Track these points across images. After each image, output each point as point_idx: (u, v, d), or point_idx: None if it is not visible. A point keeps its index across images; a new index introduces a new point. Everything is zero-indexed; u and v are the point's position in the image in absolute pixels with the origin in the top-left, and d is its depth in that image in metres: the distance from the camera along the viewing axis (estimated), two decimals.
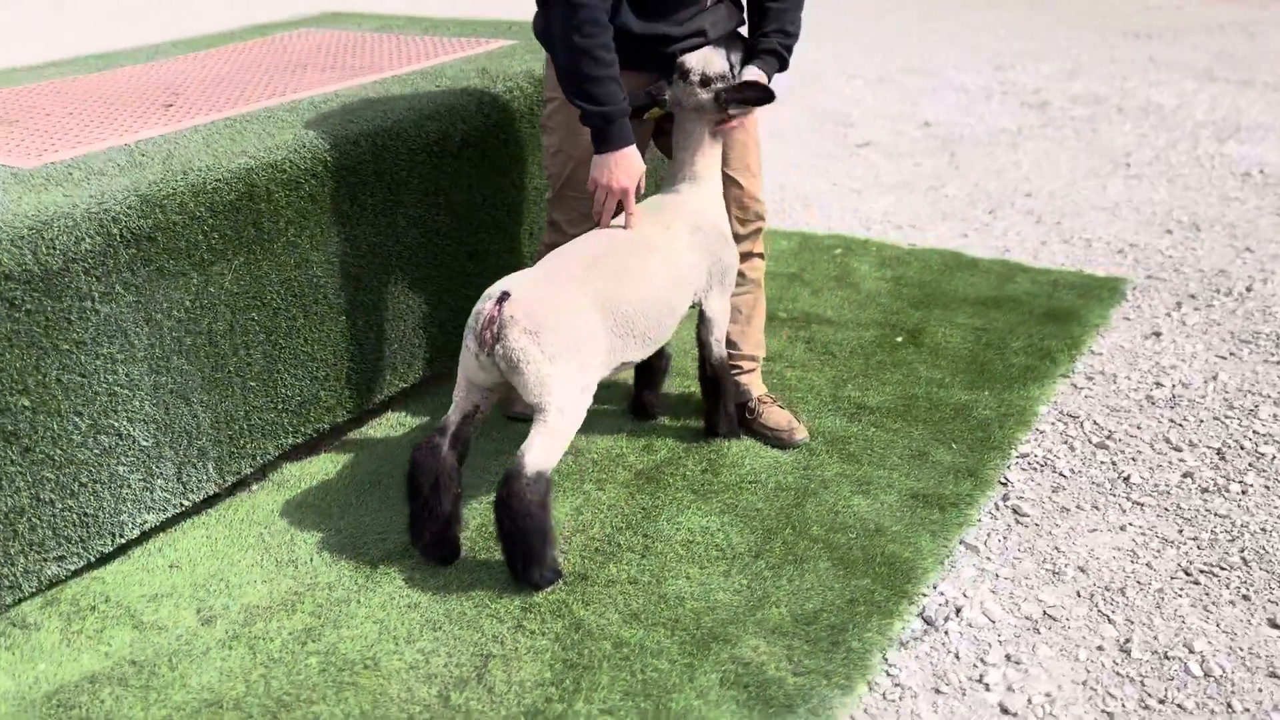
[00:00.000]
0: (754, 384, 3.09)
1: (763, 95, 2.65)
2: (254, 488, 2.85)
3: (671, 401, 3.21)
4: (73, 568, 2.42)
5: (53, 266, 2.23)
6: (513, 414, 3.18)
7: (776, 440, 2.99)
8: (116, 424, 2.42)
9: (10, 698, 2.12)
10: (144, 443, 2.49)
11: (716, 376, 2.93)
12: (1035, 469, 2.90)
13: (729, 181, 2.88)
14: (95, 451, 2.39)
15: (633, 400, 3.15)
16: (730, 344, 3.08)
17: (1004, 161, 5.72)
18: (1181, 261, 4.27)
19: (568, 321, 2.36)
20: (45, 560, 2.36)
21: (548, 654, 2.21)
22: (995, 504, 2.74)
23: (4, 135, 2.82)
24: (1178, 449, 2.96)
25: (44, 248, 2.21)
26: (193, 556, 2.57)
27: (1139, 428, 3.08)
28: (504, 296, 2.34)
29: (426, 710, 2.08)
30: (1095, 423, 3.11)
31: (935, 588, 2.42)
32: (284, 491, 2.82)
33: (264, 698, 2.12)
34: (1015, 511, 2.71)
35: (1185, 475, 2.84)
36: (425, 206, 3.07)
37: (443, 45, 3.79)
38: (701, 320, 2.87)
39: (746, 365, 3.10)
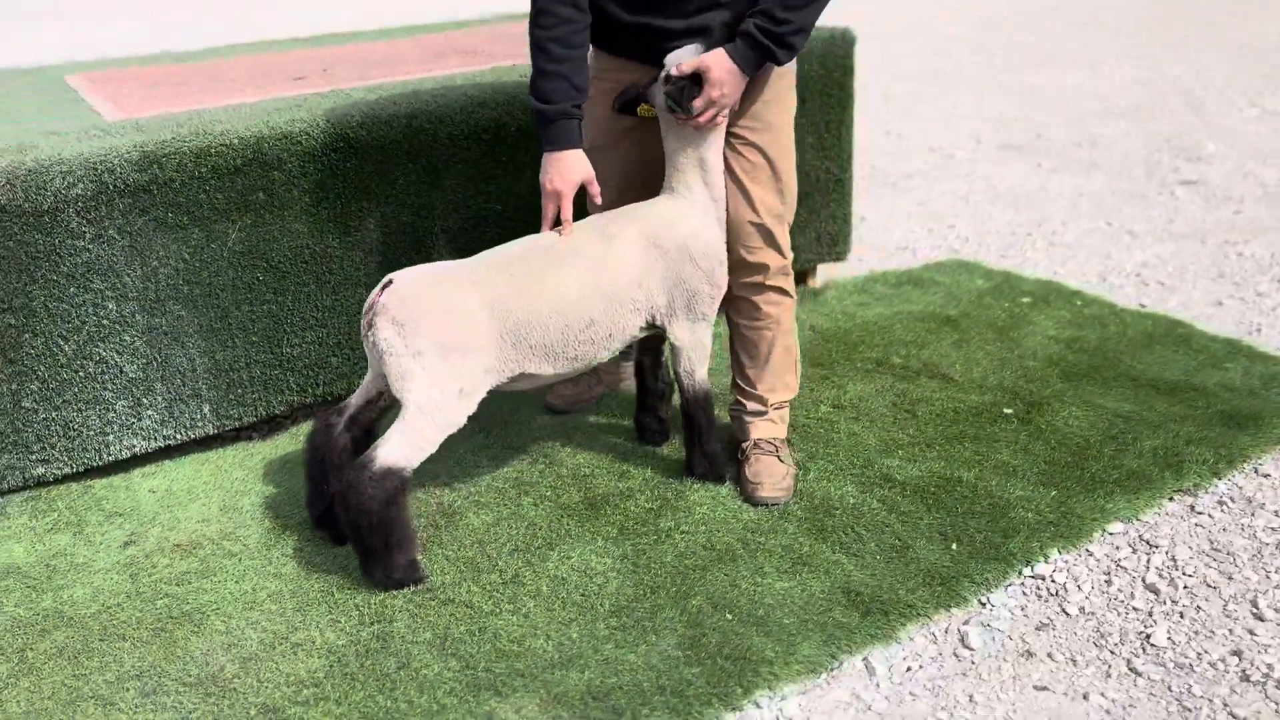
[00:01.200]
0: (758, 428, 2.75)
1: (678, 90, 2.34)
2: (257, 439, 3.05)
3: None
4: (59, 472, 2.75)
5: (43, 205, 2.54)
6: (548, 405, 3.12)
7: (745, 492, 2.64)
8: (104, 352, 2.71)
9: None
10: (132, 374, 2.76)
11: (689, 412, 2.65)
12: (1037, 596, 2.30)
13: (729, 197, 2.57)
14: (80, 374, 2.69)
15: (635, 421, 2.94)
16: (743, 383, 2.77)
17: None
18: None
19: (442, 320, 2.26)
20: (29, 460, 2.70)
21: (334, 655, 2.16)
22: (944, 626, 2.22)
23: (130, 94, 3.25)
24: (1259, 617, 2.20)
25: (35, 188, 2.52)
26: (171, 487, 2.82)
27: (1228, 578, 2.33)
28: (388, 284, 2.29)
29: (196, 665, 2.12)
30: (1172, 559, 2.40)
31: (773, 701, 2.02)
32: (279, 448, 2.99)
33: (98, 617, 2.28)
34: (961, 640, 2.17)
35: (1234, 653, 2.11)
36: (471, 192, 3.07)
37: None
38: (670, 349, 2.61)
39: (751, 406, 2.76)
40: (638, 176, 2.69)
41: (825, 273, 4.19)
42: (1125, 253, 4.34)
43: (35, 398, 2.66)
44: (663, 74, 2.41)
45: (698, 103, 2.38)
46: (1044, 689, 2.04)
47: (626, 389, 3.20)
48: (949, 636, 2.19)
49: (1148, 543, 2.46)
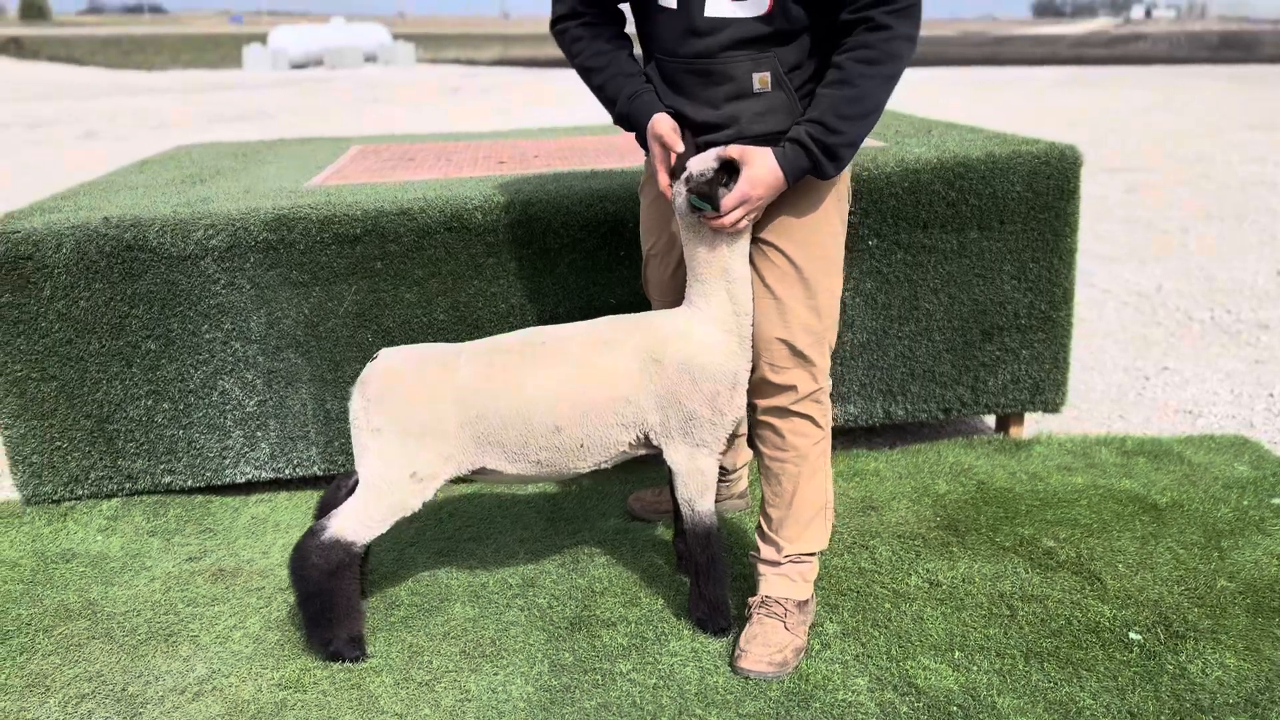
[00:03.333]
0: (768, 583, 2.41)
1: (707, 182, 2.10)
2: None
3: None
4: (184, 483, 3.13)
5: (187, 251, 2.92)
6: (628, 507, 3.01)
7: (730, 657, 2.31)
8: (227, 385, 3.04)
9: (60, 541, 2.91)
10: (250, 408, 3.07)
11: (690, 547, 2.39)
12: None
13: (755, 310, 2.30)
14: (205, 401, 3.05)
15: (674, 547, 2.71)
16: (765, 524, 2.45)
17: None
18: None
19: (406, 403, 2.26)
20: (158, 468, 3.10)
21: (232, 707, 2.21)
22: None
23: (358, 166, 3.64)
24: None
25: (181, 235, 2.91)
26: (270, 517, 3.08)
27: None
28: (374, 357, 2.34)
29: (135, 684, 2.28)
30: None
31: None
32: None
33: (111, 619, 2.55)
34: None
35: None
36: (585, 282, 3.05)
37: None
38: (669, 473, 2.38)
39: (765, 554, 2.43)
40: (682, 282, 2.50)
41: (1039, 424, 3.57)
42: None
43: (166, 415, 3.05)
44: (683, 175, 2.22)
45: (728, 201, 2.15)
46: None
47: (721, 510, 2.95)
48: None
49: None
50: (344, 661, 2.34)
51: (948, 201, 3.07)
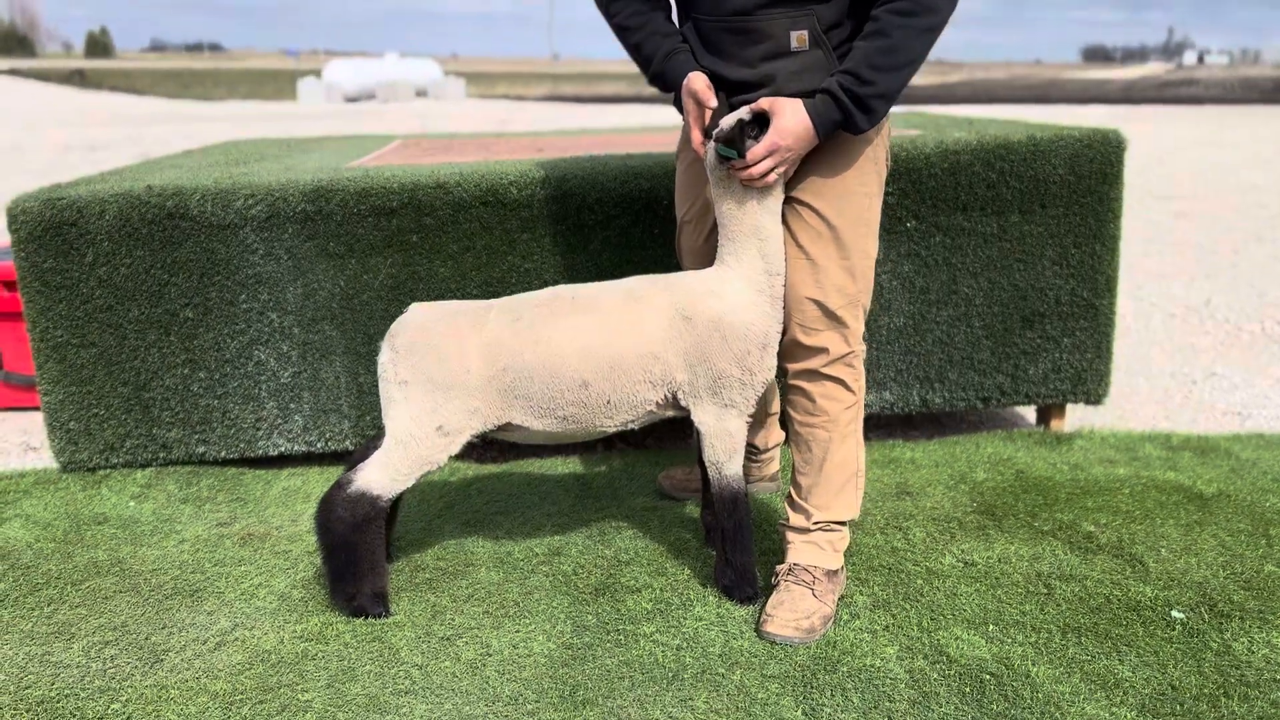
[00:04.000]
0: (797, 550, 2.36)
1: (735, 129, 2.08)
2: None
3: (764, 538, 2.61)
4: (217, 454, 3.14)
5: (226, 220, 2.96)
6: (658, 486, 2.98)
7: (756, 622, 2.26)
8: (262, 356, 3.06)
9: (93, 505, 2.93)
10: (284, 379, 3.08)
11: (715, 512, 2.35)
12: None
13: (788, 269, 2.27)
14: (240, 371, 3.07)
15: (701, 520, 2.67)
16: (794, 492, 2.41)
17: None
18: None
19: (435, 356, 2.25)
20: (192, 438, 3.12)
21: (254, 656, 2.20)
22: None
23: (397, 155, 3.68)
24: None
25: (221, 205, 2.95)
26: (300, 488, 3.08)
27: None
28: (405, 312, 2.34)
29: (160, 635, 2.28)
30: None
31: None
32: None
33: (138, 576, 2.55)
34: None
35: None
36: (618, 259, 3.04)
37: None
38: (695, 434, 2.34)
39: (795, 521, 2.38)
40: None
41: (1080, 420, 3.50)
42: None
43: (202, 384, 3.07)
44: (714, 134, 2.21)
45: (756, 150, 2.13)
46: None
47: (752, 490, 2.92)
48: None
49: None
50: (367, 617, 2.33)
51: (988, 183, 3.03)
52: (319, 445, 3.15)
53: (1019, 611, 2.32)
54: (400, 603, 2.40)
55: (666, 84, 2.30)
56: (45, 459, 3.42)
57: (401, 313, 2.85)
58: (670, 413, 2.35)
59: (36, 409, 3.85)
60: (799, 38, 2.17)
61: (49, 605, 2.44)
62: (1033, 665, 2.11)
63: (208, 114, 24.05)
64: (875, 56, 2.07)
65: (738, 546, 2.35)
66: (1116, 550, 2.58)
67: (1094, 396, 3.26)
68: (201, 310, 3.02)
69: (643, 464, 3.17)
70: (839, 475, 2.35)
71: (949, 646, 2.18)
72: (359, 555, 2.30)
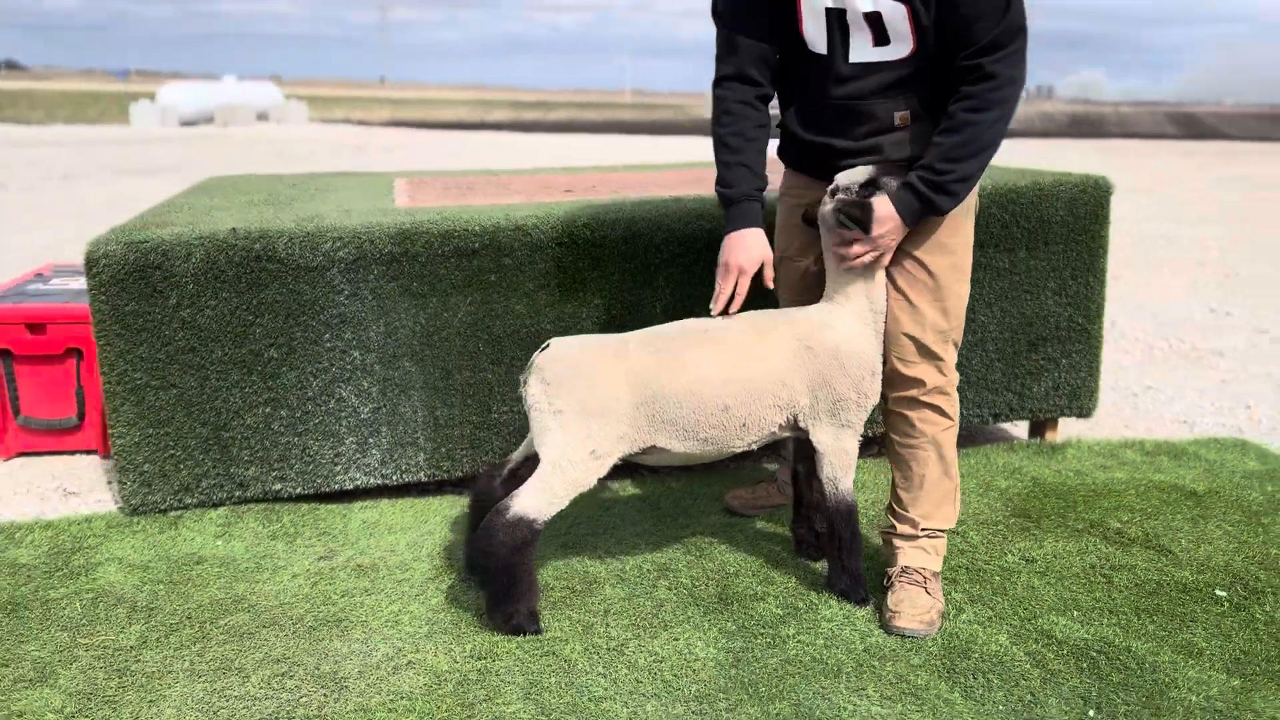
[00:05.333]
0: (906, 554, 2.66)
1: (860, 217, 2.39)
2: (456, 493, 3.35)
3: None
4: (293, 491, 3.20)
5: (314, 262, 3.04)
6: (726, 505, 3.20)
7: (881, 619, 2.54)
8: (344, 393, 3.15)
9: (182, 546, 2.95)
10: (364, 415, 3.17)
11: (831, 523, 2.62)
12: None
13: (889, 309, 2.57)
14: (322, 409, 3.14)
15: (791, 532, 2.93)
16: (896, 504, 2.70)
17: None
18: None
19: (585, 384, 2.44)
20: (270, 476, 3.17)
21: (435, 677, 2.33)
22: None
23: (428, 193, 3.81)
24: None
25: (310, 247, 3.03)
26: (379, 520, 3.17)
27: None
28: (546, 346, 2.52)
29: (327, 663, 2.37)
30: None
31: None
32: None
33: (272, 610, 2.61)
34: None
35: None
36: (681, 295, 3.28)
37: None
38: (815, 454, 2.61)
39: (902, 529, 2.68)
40: (817, 285, 2.76)
41: (1069, 429, 3.94)
42: None
43: (283, 423, 3.13)
44: (830, 189, 2.51)
45: (854, 249, 2.46)
46: None
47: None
48: None
49: None
50: (524, 635, 2.48)
51: (1001, 224, 3.43)
52: (394, 478, 3.25)
53: (1091, 599, 2.68)
54: (546, 620, 2.56)
55: (727, 207, 2.58)
56: (93, 503, 3.37)
57: (481, 358, 3.02)
58: (786, 434, 2.61)
59: (54, 453, 3.77)
60: (901, 117, 2.49)
61: (195, 644, 2.48)
62: (1128, 642, 2.47)
63: (38, 138, 22.73)
64: (950, 151, 2.39)
65: (853, 554, 2.62)
66: (1146, 542, 2.99)
67: (1085, 410, 3.70)
68: (285, 350, 3.08)
69: (700, 484, 3.41)
70: (938, 490, 2.66)
71: (1052, 631, 2.52)
72: (518, 577, 2.45)
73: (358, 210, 3.34)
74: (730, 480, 3.42)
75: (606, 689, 2.28)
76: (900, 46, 2.42)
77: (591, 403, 2.44)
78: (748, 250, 2.54)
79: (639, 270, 3.25)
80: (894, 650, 2.43)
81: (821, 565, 2.83)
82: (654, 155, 17.27)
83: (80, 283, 4.05)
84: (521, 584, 2.46)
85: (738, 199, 2.55)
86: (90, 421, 3.71)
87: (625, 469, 3.19)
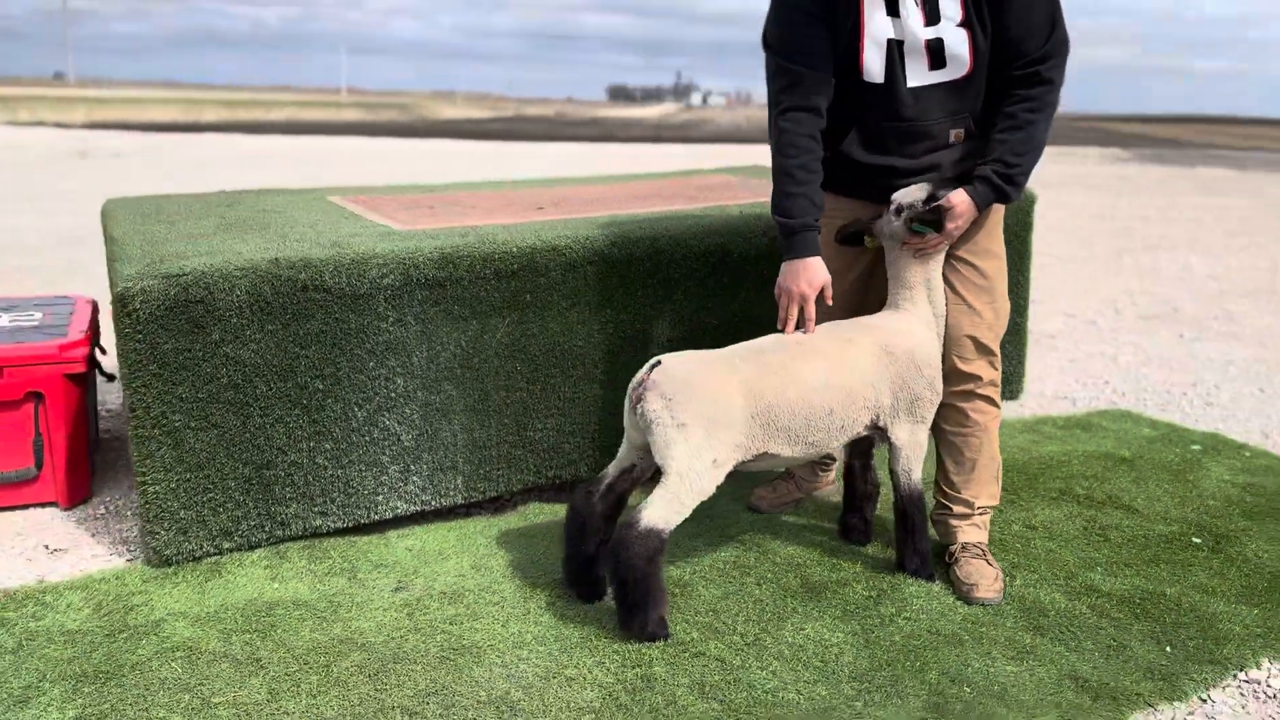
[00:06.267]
0: (965, 532, 2.98)
1: (936, 220, 2.70)
2: (500, 513, 3.36)
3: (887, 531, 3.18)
4: (334, 525, 3.10)
5: (360, 290, 2.97)
6: (751, 505, 3.39)
7: (959, 592, 2.85)
8: (388, 421, 3.09)
9: (238, 592, 2.80)
10: (406, 442, 3.13)
11: (904, 510, 2.90)
12: (1255, 697, 2.44)
13: (948, 312, 2.89)
14: (366, 439, 3.07)
15: (840, 521, 3.19)
16: (948, 488, 3.01)
17: None
18: None
19: (704, 397, 2.58)
20: (312, 511, 3.06)
21: (605, 690, 2.40)
22: (1169, 716, 2.37)
23: (397, 213, 3.75)
24: None
25: (356, 275, 2.96)
26: (424, 547, 3.13)
27: None
28: (656, 364, 2.63)
29: (484, 689, 2.37)
30: None
31: None
32: (511, 523, 3.30)
33: (387, 645, 2.56)
34: None
35: None
36: (695, 307, 3.45)
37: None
38: (889, 448, 2.88)
39: (958, 510, 3.00)
40: (857, 298, 3.04)
41: None
42: None
43: (327, 455, 3.03)
44: (893, 206, 2.78)
45: (948, 229, 2.74)
46: None
47: (820, 496, 3.46)
48: None
49: None
50: (657, 640, 2.59)
51: None
52: (433, 504, 3.22)
53: (1103, 555, 3.12)
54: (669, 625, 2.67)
55: (785, 237, 2.78)
56: (89, 557, 3.10)
57: (518, 378, 3.13)
58: (864, 432, 2.87)
59: (9, 509, 3.40)
60: (956, 135, 2.81)
61: (332, 689, 2.40)
62: (1159, 588, 2.91)
63: None
64: (1016, 146, 2.75)
65: (923, 536, 2.92)
66: (1113, 503, 3.48)
67: (1016, 393, 4.21)
68: (331, 381, 2.99)
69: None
70: (988, 471, 3.01)
71: (1096, 585, 2.92)
72: (652, 585, 2.56)
73: (371, 236, 3.27)
74: (745, 482, 3.63)
75: (772, 681, 2.44)
76: (956, 68, 2.73)
77: (712, 414, 2.58)
78: (811, 278, 2.75)
79: (660, 285, 3.39)
80: (987, 617, 2.75)
81: (870, 549, 3.11)
82: (452, 163, 17.00)
83: (5, 319, 3.66)
84: (654, 592, 2.57)
85: (798, 229, 2.75)
86: (48, 472, 3.39)
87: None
